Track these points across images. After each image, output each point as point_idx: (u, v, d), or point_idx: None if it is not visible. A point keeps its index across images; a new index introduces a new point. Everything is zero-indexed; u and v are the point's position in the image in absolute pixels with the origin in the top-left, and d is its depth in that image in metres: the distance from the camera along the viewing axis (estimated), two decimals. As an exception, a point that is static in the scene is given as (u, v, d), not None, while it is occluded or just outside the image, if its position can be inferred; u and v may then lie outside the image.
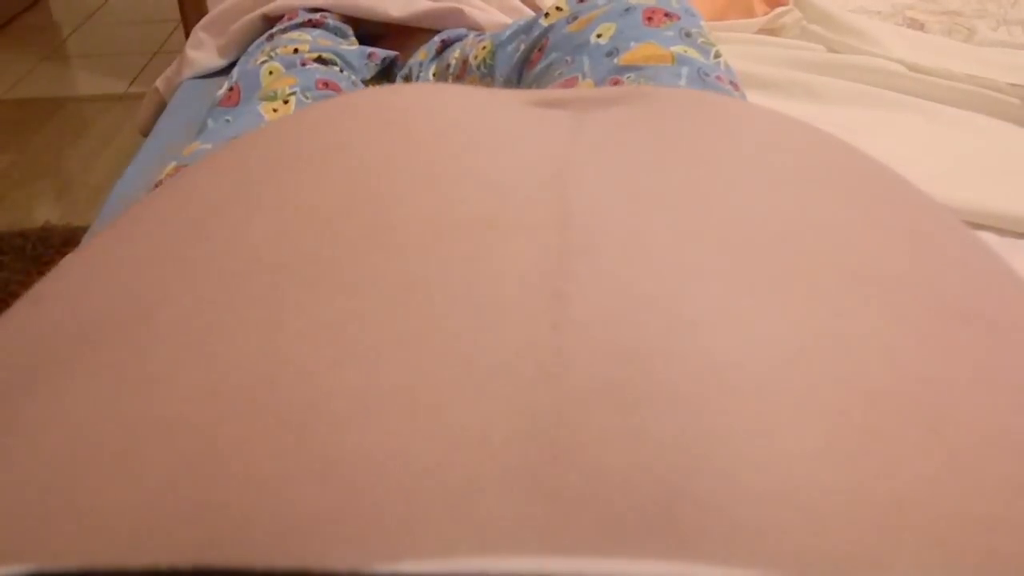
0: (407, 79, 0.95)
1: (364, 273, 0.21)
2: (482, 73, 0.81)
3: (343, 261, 0.21)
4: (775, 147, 0.28)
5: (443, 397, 0.18)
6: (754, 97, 0.72)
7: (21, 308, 0.25)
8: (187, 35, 1.26)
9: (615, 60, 0.65)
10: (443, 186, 0.23)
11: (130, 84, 2.19)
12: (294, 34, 0.90)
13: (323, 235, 0.22)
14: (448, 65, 0.89)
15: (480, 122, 0.27)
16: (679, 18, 0.69)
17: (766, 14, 1.10)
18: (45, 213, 1.70)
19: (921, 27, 1.10)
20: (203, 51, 1.08)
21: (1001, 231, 0.73)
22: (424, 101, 0.29)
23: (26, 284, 1.49)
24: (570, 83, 0.65)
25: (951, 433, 0.18)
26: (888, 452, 0.17)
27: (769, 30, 1.09)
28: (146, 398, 0.19)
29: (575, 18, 0.73)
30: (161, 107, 1.09)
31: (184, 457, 0.17)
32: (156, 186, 0.57)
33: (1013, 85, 0.90)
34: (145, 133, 1.08)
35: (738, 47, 1.02)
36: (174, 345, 0.20)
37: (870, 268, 0.22)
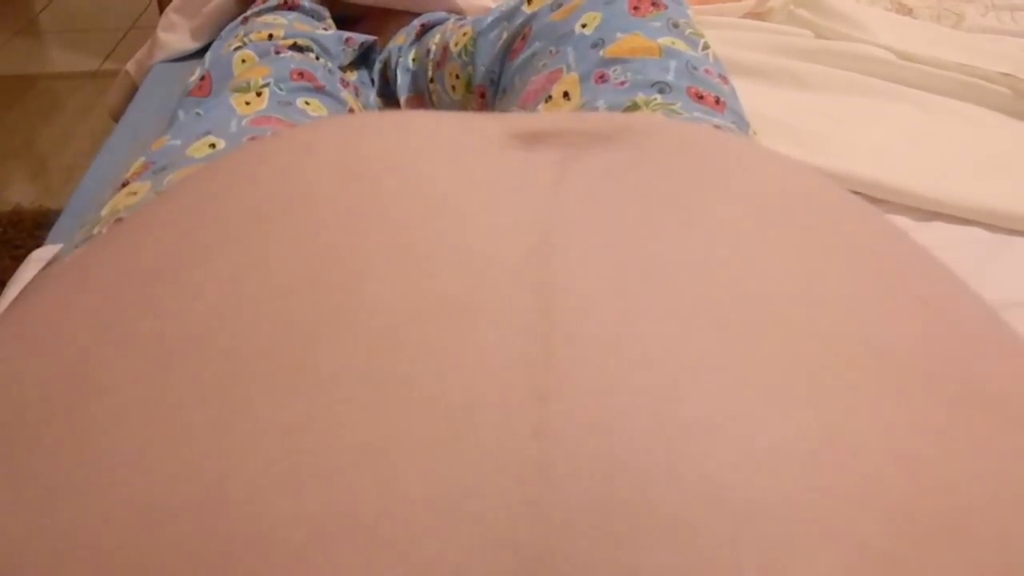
0: (386, 64, 0.93)
1: (324, 366, 0.19)
2: (463, 61, 0.79)
3: (302, 350, 0.19)
4: (779, 205, 0.25)
5: (412, 528, 0.16)
6: (741, 84, 0.70)
7: None
8: (161, 10, 1.22)
9: (601, 52, 0.63)
10: (413, 259, 0.21)
11: (104, 60, 2.14)
12: (268, 17, 0.87)
13: (280, 315, 0.20)
14: (428, 51, 0.86)
15: (454, 176, 0.25)
16: (666, 7, 0.66)
17: (753, -2, 1.08)
18: (17, 195, 1.66)
19: (909, 12, 1.08)
20: (175, 33, 1.05)
21: (992, 227, 0.72)
22: (392, 148, 0.26)
23: (-2, 269, 1.46)
24: (555, 76, 0.63)
25: (981, 559, 0.17)
26: None
27: (756, 14, 1.07)
28: (75, 516, 0.17)
29: (559, 5, 0.70)
30: (133, 90, 1.06)
31: None
32: (123, 185, 0.55)
33: (1003, 74, 0.89)
34: (116, 118, 1.05)
35: (724, 32, 1.00)
36: (110, 445, 0.18)
37: (881, 348, 0.21)
